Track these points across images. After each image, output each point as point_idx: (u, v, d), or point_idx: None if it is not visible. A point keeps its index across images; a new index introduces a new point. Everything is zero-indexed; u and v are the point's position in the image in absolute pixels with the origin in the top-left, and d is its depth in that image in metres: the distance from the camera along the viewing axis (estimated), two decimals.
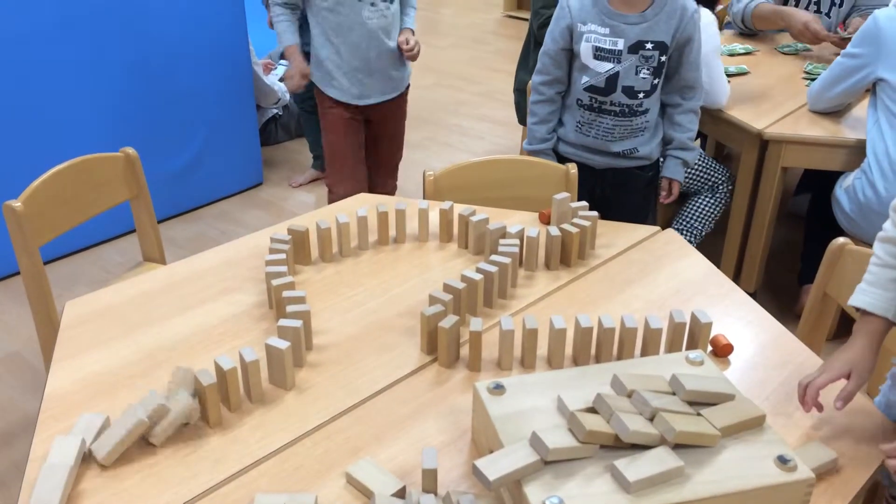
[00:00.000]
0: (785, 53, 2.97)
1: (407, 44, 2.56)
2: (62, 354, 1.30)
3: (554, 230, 1.52)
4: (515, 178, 1.95)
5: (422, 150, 3.89)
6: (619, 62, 1.93)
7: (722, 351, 1.29)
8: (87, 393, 1.21)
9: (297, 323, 1.24)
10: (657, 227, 1.71)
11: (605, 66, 1.95)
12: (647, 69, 1.96)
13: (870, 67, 2.19)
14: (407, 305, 1.43)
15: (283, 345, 1.19)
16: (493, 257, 1.44)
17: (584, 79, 1.99)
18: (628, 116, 2.01)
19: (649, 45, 1.93)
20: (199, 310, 1.42)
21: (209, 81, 3.20)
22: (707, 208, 2.67)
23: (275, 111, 3.90)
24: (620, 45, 1.93)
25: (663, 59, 1.96)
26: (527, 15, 6.38)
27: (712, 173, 2.66)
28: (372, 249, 1.63)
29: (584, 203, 1.63)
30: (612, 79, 1.96)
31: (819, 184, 2.61)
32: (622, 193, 2.14)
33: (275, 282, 1.35)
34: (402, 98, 2.75)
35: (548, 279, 1.52)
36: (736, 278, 2.50)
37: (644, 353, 1.27)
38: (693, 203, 2.69)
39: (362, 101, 2.59)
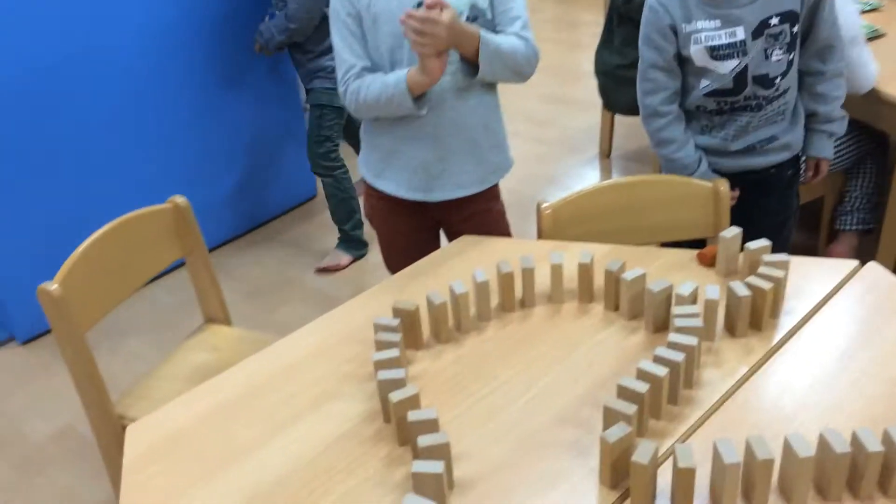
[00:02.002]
0: None
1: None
2: None
3: (741, 288, 1.16)
4: (649, 201, 1.59)
5: None
6: (744, 54, 1.56)
7: None
8: None
9: (438, 467, 0.91)
10: (855, 262, 1.33)
11: (730, 64, 1.58)
12: (780, 48, 1.58)
13: None
14: (561, 407, 1.09)
15: None
16: (675, 337, 1.08)
17: (704, 83, 1.62)
18: (765, 107, 1.64)
19: (775, 21, 1.54)
20: (291, 431, 1.09)
21: (250, 83, 2.87)
22: (872, 183, 2.31)
23: None
24: (740, 33, 1.55)
25: (795, 29, 1.57)
26: None
27: (863, 143, 2.28)
28: (496, 319, 1.29)
29: (766, 242, 1.27)
30: (741, 75, 1.58)
31: None
32: (755, 199, 1.76)
33: (394, 397, 1.02)
34: (490, 195, 1.76)
35: (737, 353, 1.16)
36: None
37: None
38: (858, 182, 2.32)
39: (426, 197, 1.69)
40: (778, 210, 1.85)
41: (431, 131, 1.61)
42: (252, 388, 1.19)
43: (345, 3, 1.56)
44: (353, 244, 2.83)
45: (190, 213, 1.67)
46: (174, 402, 1.18)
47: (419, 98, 1.53)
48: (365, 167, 1.76)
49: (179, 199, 1.65)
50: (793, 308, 1.24)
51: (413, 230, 1.80)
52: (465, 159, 1.66)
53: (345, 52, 1.58)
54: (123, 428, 1.27)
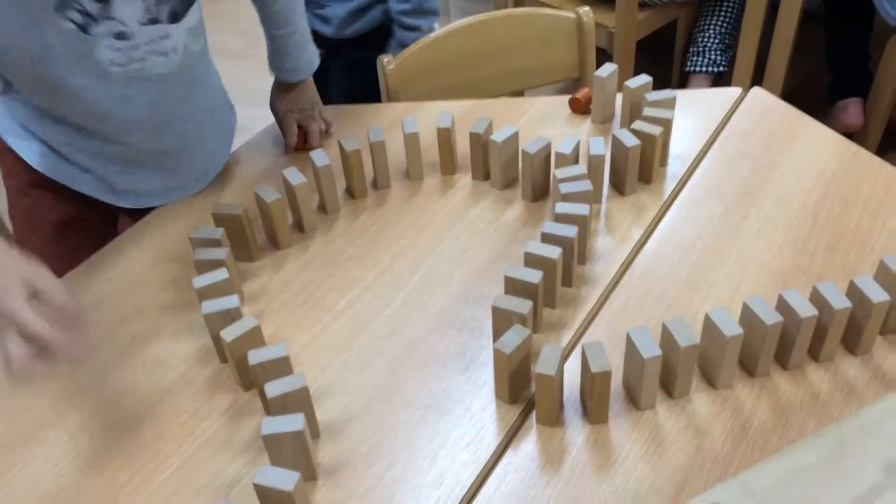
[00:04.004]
0: None
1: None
2: None
3: (629, 138, 0.98)
4: (505, 43, 1.36)
5: None
6: None
7: None
8: None
9: (297, 423, 0.70)
10: (739, 90, 1.19)
11: None
12: None
13: None
14: (438, 310, 0.89)
15: (287, 483, 0.66)
16: (562, 207, 0.90)
17: None
18: None
19: None
20: (99, 393, 0.84)
21: None
22: (728, 22, 2.17)
23: None
24: None
25: None
26: None
27: None
28: (344, 209, 1.05)
29: (646, 78, 1.09)
30: None
31: None
32: None
33: (228, 335, 0.78)
34: None
35: (629, 213, 1.00)
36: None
37: (851, 347, 0.80)
38: (711, 21, 2.17)
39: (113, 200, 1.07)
40: None
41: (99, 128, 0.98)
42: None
43: None
44: None
45: None
46: None
47: None
48: None
49: None
50: (680, 152, 1.09)
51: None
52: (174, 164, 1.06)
53: None
54: None
